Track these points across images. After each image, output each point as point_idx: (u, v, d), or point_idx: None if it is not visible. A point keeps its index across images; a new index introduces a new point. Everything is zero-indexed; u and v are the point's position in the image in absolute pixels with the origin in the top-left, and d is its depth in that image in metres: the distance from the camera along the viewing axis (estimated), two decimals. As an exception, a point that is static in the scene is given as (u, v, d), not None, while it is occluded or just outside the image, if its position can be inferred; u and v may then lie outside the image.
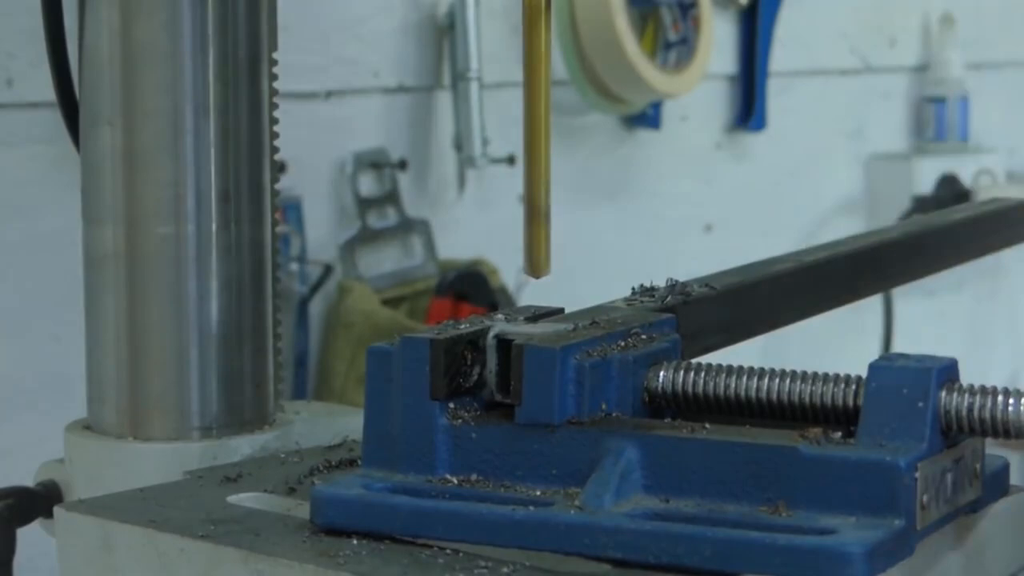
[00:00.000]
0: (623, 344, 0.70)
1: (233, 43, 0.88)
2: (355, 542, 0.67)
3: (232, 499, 0.77)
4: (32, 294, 1.53)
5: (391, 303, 1.89)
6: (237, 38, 0.88)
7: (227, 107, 0.88)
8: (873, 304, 2.41)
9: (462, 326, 0.71)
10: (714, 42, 2.20)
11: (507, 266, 1.94)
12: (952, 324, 2.61)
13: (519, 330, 0.70)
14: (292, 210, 1.78)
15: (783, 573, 0.59)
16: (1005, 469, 0.72)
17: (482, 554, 0.65)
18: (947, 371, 0.66)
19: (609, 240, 2.20)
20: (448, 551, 0.66)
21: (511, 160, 1.92)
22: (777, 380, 0.69)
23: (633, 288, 0.81)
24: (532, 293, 1.80)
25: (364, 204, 1.89)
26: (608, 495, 0.65)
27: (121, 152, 0.88)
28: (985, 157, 2.69)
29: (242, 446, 0.87)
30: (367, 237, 1.90)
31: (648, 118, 2.22)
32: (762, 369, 0.70)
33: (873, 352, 2.21)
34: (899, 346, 2.43)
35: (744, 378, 0.70)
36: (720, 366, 0.71)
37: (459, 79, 1.92)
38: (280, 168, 0.94)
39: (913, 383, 0.64)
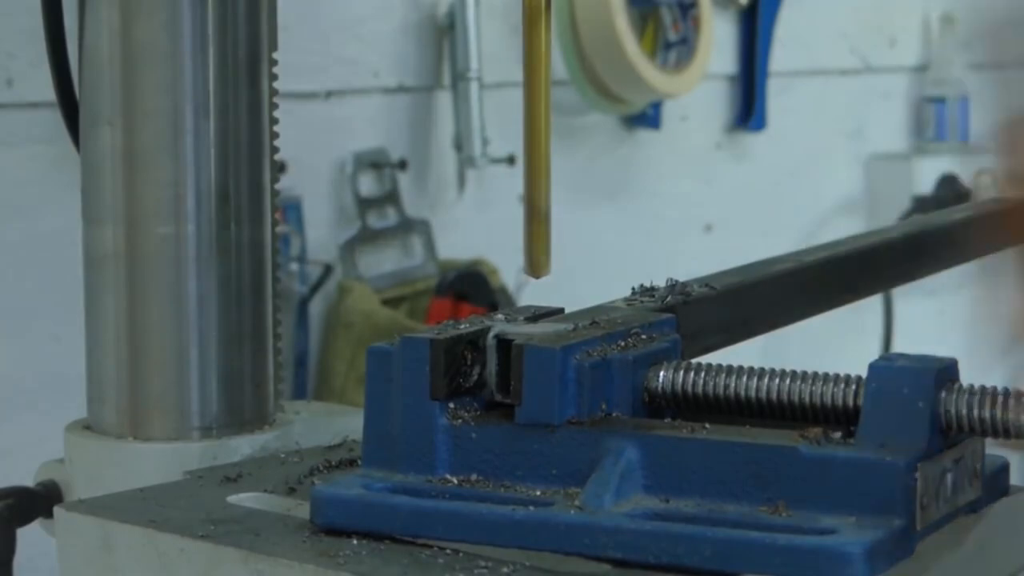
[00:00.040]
0: (623, 344, 0.70)
1: (233, 43, 0.88)
2: (355, 542, 0.67)
3: (232, 499, 0.77)
4: (32, 294, 1.53)
5: (391, 303, 1.89)
6: (237, 38, 0.88)
7: (227, 107, 0.88)
8: (873, 304, 2.42)
9: (462, 326, 0.71)
10: (714, 42, 2.20)
11: (507, 266, 1.94)
12: (952, 324, 2.61)
13: (519, 330, 0.70)
14: (292, 210, 1.78)
15: (783, 573, 0.59)
16: (1005, 469, 0.72)
17: (482, 554, 0.65)
18: (947, 371, 0.66)
19: (609, 240, 2.20)
20: (448, 551, 0.66)
21: (511, 160, 1.92)
22: (777, 380, 0.69)
23: (633, 288, 0.81)
24: (532, 293, 1.80)
25: (364, 204, 1.89)
26: (608, 495, 0.65)
27: (121, 152, 0.88)
28: (985, 157, 2.68)
29: (242, 446, 0.87)
30: (367, 237, 1.90)
31: (648, 118, 2.22)
32: (762, 369, 0.70)
33: (873, 352, 2.21)
34: (899, 346, 2.44)
35: (744, 378, 0.70)
36: (720, 366, 0.71)
37: (459, 79, 1.93)
38: (280, 168, 0.94)
39: (913, 383, 0.64)
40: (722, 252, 1.82)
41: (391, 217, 1.93)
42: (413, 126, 1.95)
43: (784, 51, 2.40)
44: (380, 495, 0.68)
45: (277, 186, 0.92)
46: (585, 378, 0.67)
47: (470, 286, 1.91)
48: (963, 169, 2.61)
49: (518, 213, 0.86)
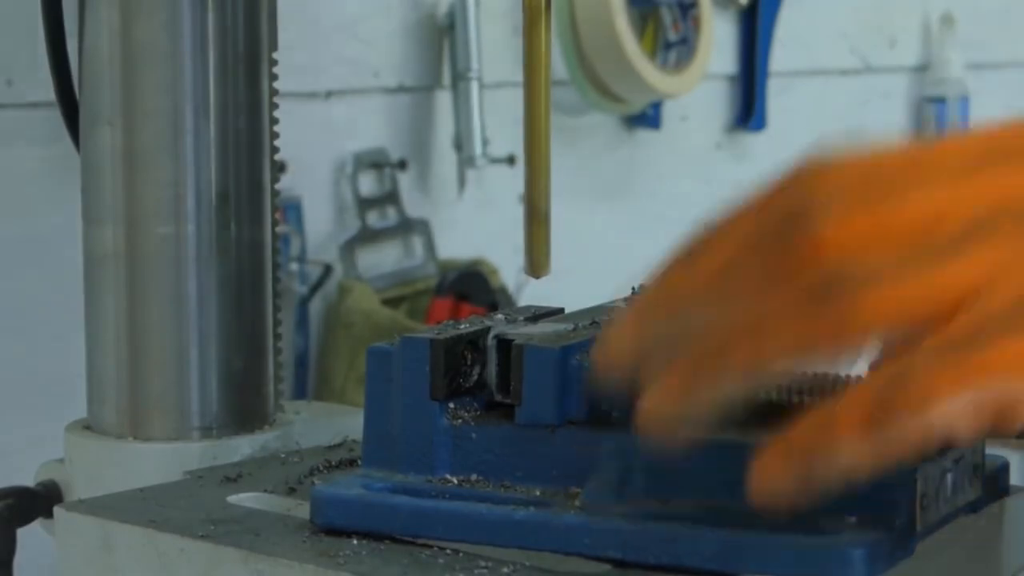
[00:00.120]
0: (623, 344, 0.70)
1: (233, 43, 0.88)
2: (355, 542, 0.67)
3: (232, 499, 0.77)
4: (32, 294, 1.53)
5: (391, 303, 1.89)
6: (237, 38, 0.88)
7: (227, 107, 0.88)
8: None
9: (462, 326, 0.71)
10: (714, 42, 2.20)
11: (507, 266, 1.94)
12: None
13: (519, 330, 0.70)
14: (292, 210, 1.78)
15: (783, 573, 0.59)
16: (1005, 469, 0.72)
17: (482, 554, 0.65)
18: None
19: (609, 240, 2.20)
20: (448, 551, 0.66)
21: (511, 160, 1.92)
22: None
23: (633, 288, 0.81)
24: (532, 293, 1.80)
25: (364, 204, 1.89)
26: (608, 495, 0.65)
27: (121, 152, 0.88)
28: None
29: (242, 446, 0.87)
30: (367, 237, 1.90)
31: (648, 118, 2.22)
32: (762, 369, 0.70)
33: (873, 352, 2.20)
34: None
35: (744, 378, 0.70)
36: (720, 366, 0.71)
37: (459, 79, 1.92)
38: (280, 168, 0.94)
39: (913, 383, 0.64)
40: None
41: (391, 217, 1.93)
42: (413, 126, 1.95)
43: (784, 51, 2.40)
44: (380, 495, 0.68)
45: (277, 186, 0.92)
46: (585, 378, 0.67)
47: (470, 286, 1.91)
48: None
49: (518, 213, 0.86)
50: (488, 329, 0.71)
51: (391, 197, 1.92)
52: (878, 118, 2.62)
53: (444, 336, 0.69)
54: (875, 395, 0.53)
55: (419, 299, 1.92)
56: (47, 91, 0.93)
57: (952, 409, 0.52)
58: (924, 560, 0.63)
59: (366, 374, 0.71)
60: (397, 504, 0.67)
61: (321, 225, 1.85)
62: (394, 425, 0.70)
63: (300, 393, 1.79)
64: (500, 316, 0.74)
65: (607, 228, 2.20)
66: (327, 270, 1.83)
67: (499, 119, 1.91)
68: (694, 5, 2.15)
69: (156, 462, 0.85)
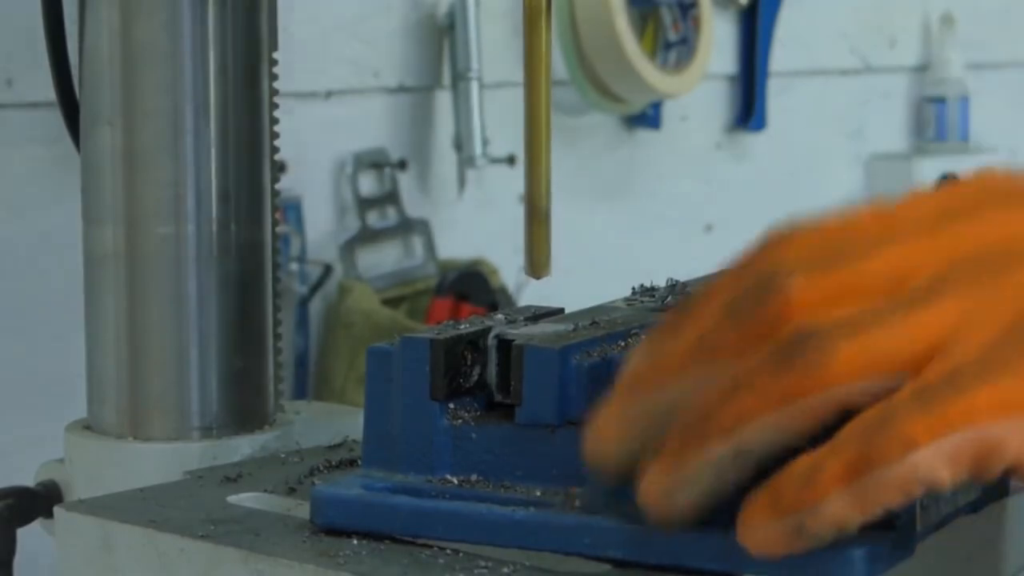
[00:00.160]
0: (623, 344, 0.70)
1: (233, 43, 0.88)
2: (355, 542, 0.67)
3: (232, 499, 0.77)
4: (32, 294, 1.53)
5: (391, 303, 1.89)
6: (237, 38, 0.88)
7: (227, 107, 0.88)
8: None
9: (462, 326, 0.71)
10: (714, 42, 2.20)
11: (507, 266, 1.94)
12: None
13: (519, 330, 0.70)
14: (292, 210, 1.78)
15: (783, 574, 0.59)
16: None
17: (482, 554, 0.65)
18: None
19: (609, 240, 2.20)
20: (448, 551, 0.66)
21: (511, 160, 1.92)
22: (777, 380, 0.69)
23: (633, 288, 0.81)
24: (532, 293, 1.80)
25: (364, 204, 1.89)
26: (608, 495, 0.65)
27: (121, 152, 0.88)
28: (985, 157, 2.68)
29: (242, 446, 0.87)
30: (367, 237, 1.90)
31: (648, 118, 2.22)
32: (762, 369, 0.70)
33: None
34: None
35: (744, 378, 0.70)
36: (720, 366, 0.71)
37: (459, 79, 1.93)
38: (280, 168, 0.94)
39: (913, 383, 0.64)
40: (722, 252, 1.82)
41: (391, 217, 1.93)
42: (413, 126, 1.95)
43: (784, 51, 2.40)
44: (380, 495, 0.68)
45: (277, 186, 0.92)
46: (585, 378, 0.67)
47: (470, 286, 1.91)
48: (963, 169, 2.61)
49: (518, 213, 0.86)
50: (488, 329, 0.71)
51: (391, 197, 1.92)
52: (878, 118, 2.62)
53: (444, 336, 0.69)
54: (856, 444, 0.54)
55: (419, 299, 1.92)
56: (47, 91, 0.93)
57: (932, 455, 0.53)
58: (924, 560, 0.63)
59: (366, 374, 0.71)
60: (397, 504, 0.67)
61: (321, 225, 1.85)
62: (394, 425, 0.70)
63: (300, 393, 1.79)
64: (500, 316, 0.74)
65: (607, 228, 2.20)
66: (327, 270, 1.83)
67: (499, 119, 1.91)
68: (694, 5, 2.15)
69: (156, 462, 0.85)
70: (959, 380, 0.54)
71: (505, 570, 0.64)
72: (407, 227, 1.94)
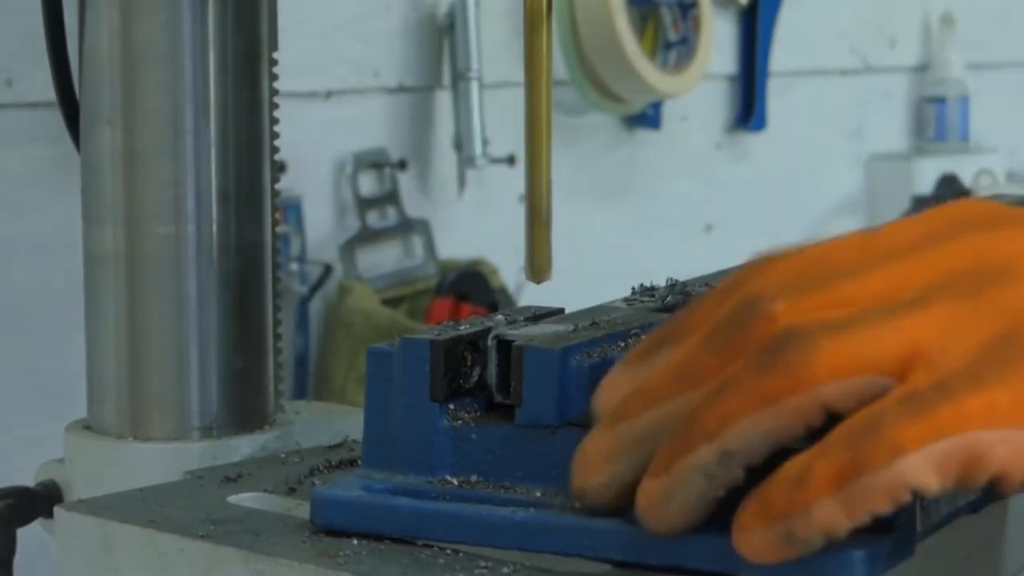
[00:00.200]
0: (623, 345, 0.70)
1: (233, 43, 0.88)
2: (355, 542, 0.67)
3: (232, 499, 0.77)
4: (32, 294, 1.53)
5: (391, 303, 1.89)
6: (237, 38, 0.88)
7: (227, 107, 0.88)
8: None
9: (462, 327, 0.71)
10: (714, 42, 2.21)
11: (507, 266, 1.94)
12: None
13: (519, 331, 0.70)
14: (292, 210, 1.78)
15: (783, 574, 0.59)
16: (1005, 469, 0.72)
17: (482, 555, 0.65)
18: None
19: (609, 240, 2.20)
20: (448, 551, 0.66)
21: (511, 160, 1.92)
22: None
23: (633, 288, 0.81)
24: (532, 293, 1.80)
25: (364, 204, 1.89)
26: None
27: (121, 152, 0.88)
28: (985, 157, 2.69)
29: (242, 446, 0.87)
30: (367, 237, 1.90)
31: (648, 118, 2.23)
32: (762, 369, 0.70)
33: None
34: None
35: (744, 378, 0.70)
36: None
37: (459, 79, 1.93)
38: (280, 168, 0.94)
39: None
40: (722, 252, 1.83)
41: (391, 217, 1.93)
42: (413, 126, 1.95)
43: (784, 51, 2.40)
44: (380, 496, 0.68)
45: (277, 186, 0.92)
46: (585, 379, 0.67)
47: (470, 286, 1.91)
48: (963, 169, 2.61)
49: (518, 213, 0.86)
50: (488, 330, 0.71)
51: (391, 197, 1.92)
52: (878, 118, 2.63)
53: (444, 337, 0.69)
54: (844, 449, 0.54)
55: (419, 299, 1.92)
56: (47, 91, 0.93)
57: (920, 461, 0.53)
58: (924, 560, 0.63)
59: (366, 374, 0.71)
60: (397, 505, 0.67)
61: (321, 225, 1.86)
62: (394, 426, 0.70)
63: (300, 393, 1.79)
64: (500, 316, 0.74)
65: (607, 228, 2.20)
66: (327, 270, 1.83)
67: (499, 119, 1.91)
68: (694, 5, 2.16)
69: (156, 462, 0.85)
70: (948, 387, 0.54)
71: (505, 570, 0.64)
72: (407, 227, 1.94)
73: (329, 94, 1.85)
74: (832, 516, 0.54)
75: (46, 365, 1.51)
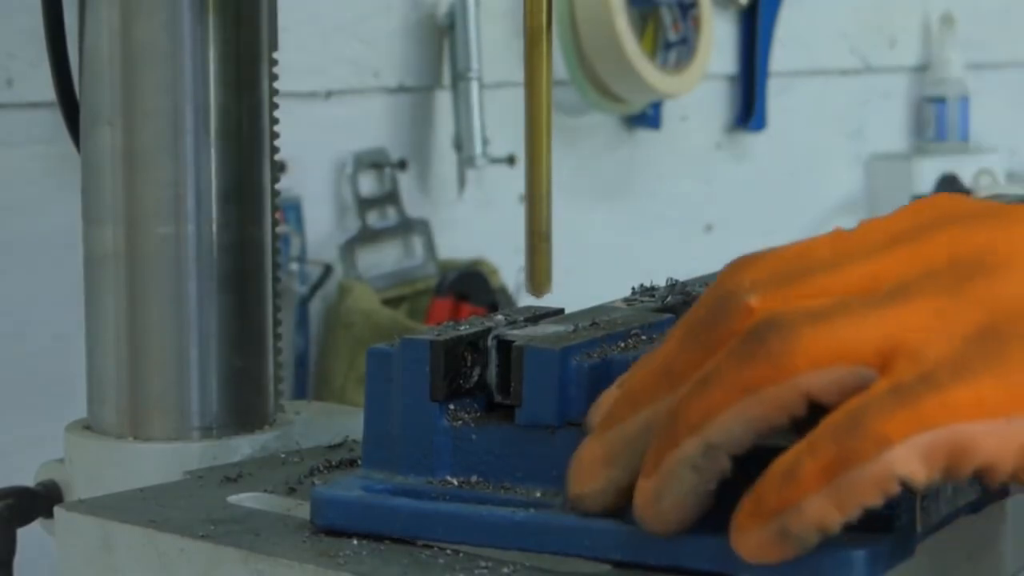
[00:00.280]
0: (623, 345, 0.70)
1: (233, 43, 0.88)
2: (355, 542, 0.67)
3: (232, 499, 0.77)
4: (32, 294, 1.53)
5: (391, 303, 1.89)
6: (237, 38, 0.88)
7: (227, 107, 0.88)
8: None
9: (462, 327, 0.71)
10: (714, 42, 2.21)
11: (507, 266, 1.94)
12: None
13: (519, 331, 0.70)
14: (292, 210, 1.78)
15: (782, 574, 0.59)
16: (1005, 470, 0.72)
17: (482, 555, 0.65)
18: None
19: (609, 240, 2.20)
20: (448, 551, 0.66)
21: (511, 160, 1.92)
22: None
23: (633, 288, 0.81)
24: (532, 293, 1.79)
25: (364, 204, 1.89)
26: (608, 496, 0.65)
27: (121, 152, 0.88)
28: (985, 157, 2.69)
29: (242, 446, 0.87)
30: (367, 237, 1.90)
31: (648, 118, 2.23)
32: (762, 370, 0.70)
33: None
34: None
35: (744, 379, 0.70)
36: (720, 367, 0.71)
37: (459, 79, 1.93)
38: (280, 168, 0.94)
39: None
40: (722, 252, 1.82)
41: (391, 217, 1.93)
42: (413, 126, 1.95)
43: (784, 51, 2.40)
44: (380, 497, 0.68)
45: (277, 186, 0.92)
46: (585, 379, 0.67)
47: (470, 286, 1.91)
48: (963, 169, 2.61)
49: (518, 213, 0.86)
50: (488, 330, 0.71)
51: (391, 197, 1.92)
52: (878, 118, 2.63)
53: (444, 337, 0.69)
54: (831, 442, 0.54)
55: (419, 299, 1.92)
56: (47, 91, 0.93)
57: (907, 453, 0.53)
58: (924, 560, 0.63)
59: (366, 375, 0.71)
60: (397, 506, 0.67)
61: (321, 225, 1.86)
62: (394, 426, 0.70)
63: (300, 393, 1.79)
64: (500, 317, 0.74)
65: (607, 228, 2.20)
66: (327, 270, 1.83)
67: (499, 119, 1.91)
68: (694, 5, 2.16)
69: (156, 462, 0.85)
70: (934, 378, 0.54)
71: (505, 570, 0.64)
72: (407, 227, 1.94)
73: (329, 94, 1.85)
74: (823, 511, 0.54)
75: (46, 365, 1.51)
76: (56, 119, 0.93)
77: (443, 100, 1.95)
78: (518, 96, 0.84)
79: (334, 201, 1.88)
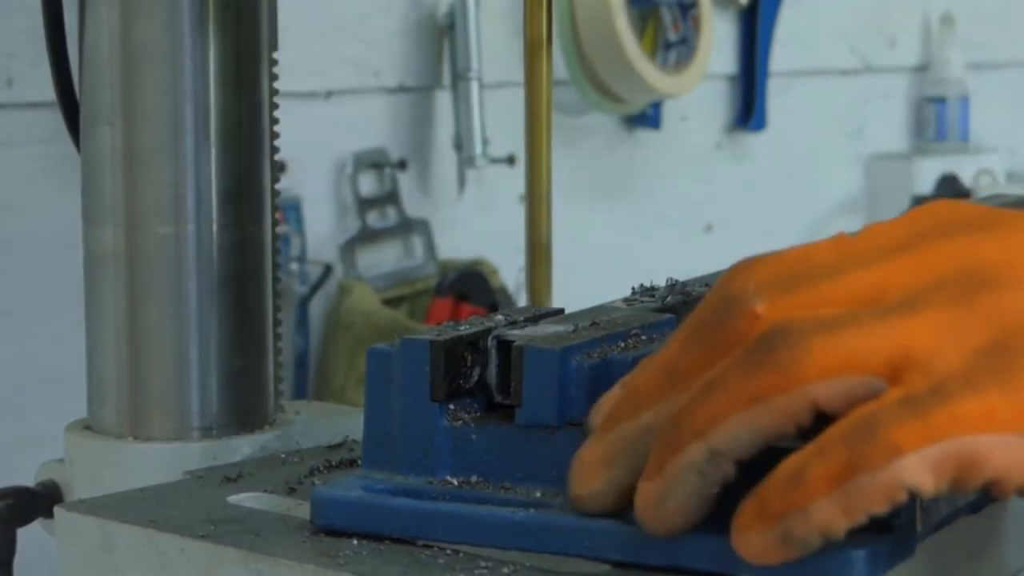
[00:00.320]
0: (623, 345, 0.70)
1: (233, 43, 0.88)
2: (355, 542, 0.67)
3: (232, 499, 0.77)
4: (32, 294, 1.53)
5: (391, 303, 1.89)
6: (237, 38, 0.88)
7: (227, 107, 0.88)
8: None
9: (462, 327, 0.71)
10: (714, 42, 2.21)
11: (507, 266, 1.94)
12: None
13: (520, 331, 0.70)
14: (292, 210, 1.78)
15: (782, 575, 0.59)
16: (1005, 470, 0.72)
17: (482, 555, 0.65)
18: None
19: (609, 240, 2.20)
20: (448, 551, 0.66)
21: (511, 160, 1.92)
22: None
23: (633, 288, 0.81)
24: (532, 293, 1.79)
25: (364, 204, 1.89)
26: (608, 496, 0.65)
27: (121, 152, 0.88)
28: (985, 157, 2.69)
29: (242, 446, 0.87)
30: (367, 237, 1.90)
31: (648, 118, 2.23)
32: (762, 370, 0.70)
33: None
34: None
35: (744, 379, 0.70)
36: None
37: (459, 79, 1.93)
38: (280, 168, 0.94)
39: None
40: (722, 252, 1.83)
41: (391, 217, 1.93)
42: (413, 126, 1.95)
43: (784, 51, 2.40)
44: (380, 497, 0.68)
45: (277, 186, 0.92)
46: (585, 379, 0.67)
47: (470, 286, 1.91)
48: (963, 169, 2.61)
49: (518, 213, 0.87)
50: (488, 330, 0.70)
51: (391, 197, 1.92)
52: (878, 118, 2.63)
53: (444, 337, 0.69)
54: (840, 448, 0.54)
55: (419, 299, 1.92)
56: (47, 91, 0.93)
57: (917, 463, 0.53)
58: (924, 560, 0.63)
59: (366, 375, 0.71)
60: (397, 506, 0.67)
61: (321, 225, 1.86)
62: (394, 426, 0.70)
63: (300, 393, 1.80)
64: (500, 317, 0.74)
65: (607, 228, 2.20)
66: (327, 270, 1.83)
67: (499, 119, 1.91)
68: (694, 5, 2.16)
69: (156, 462, 0.85)
70: (944, 391, 0.54)
71: (505, 570, 0.64)
72: (407, 227, 1.94)
73: (329, 94, 1.85)
74: (829, 516, 0.54)
75: (46, 365, 1.51)
76: (56, 119, 0.93)
77: (443, 100, 1.95)
78: (518, 96, 0.84)
79: (334, 201, 1.88)
